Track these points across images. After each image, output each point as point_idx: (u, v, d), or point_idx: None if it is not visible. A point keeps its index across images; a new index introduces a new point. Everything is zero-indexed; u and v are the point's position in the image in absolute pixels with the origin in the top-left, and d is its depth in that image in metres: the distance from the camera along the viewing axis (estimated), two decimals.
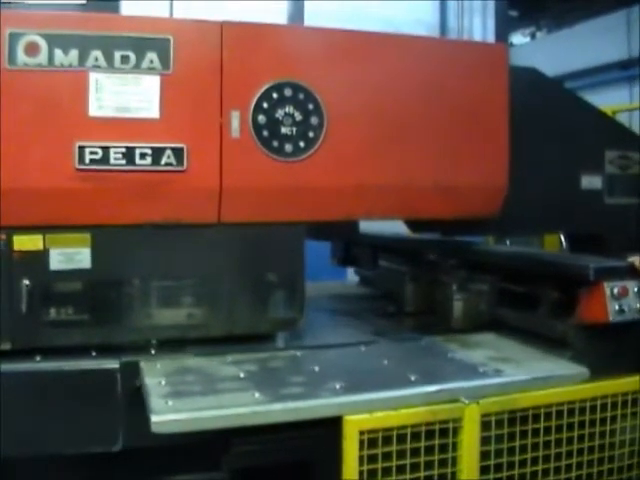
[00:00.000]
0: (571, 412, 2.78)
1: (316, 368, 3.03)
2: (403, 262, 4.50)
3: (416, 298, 4.20)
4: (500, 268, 3.78)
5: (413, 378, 2.84)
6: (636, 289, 3.16)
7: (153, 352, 3.10)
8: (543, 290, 3.44)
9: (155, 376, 2.87)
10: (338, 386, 2.74)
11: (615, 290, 3.11)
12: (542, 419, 2.72)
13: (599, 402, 2.83)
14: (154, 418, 2.46)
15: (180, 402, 2.58)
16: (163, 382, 2.79)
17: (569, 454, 2.81)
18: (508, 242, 5.25)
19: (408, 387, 2.78)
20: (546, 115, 3.89)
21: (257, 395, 2.65)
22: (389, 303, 4.48)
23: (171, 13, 5.72)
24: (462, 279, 3.83)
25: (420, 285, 4.19)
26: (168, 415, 2.48)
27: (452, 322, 3.76)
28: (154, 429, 2.46)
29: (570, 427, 2.80)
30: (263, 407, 2.58)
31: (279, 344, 3.35)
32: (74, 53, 2.87)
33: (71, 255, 2.98)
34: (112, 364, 2.97)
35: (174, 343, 3.17)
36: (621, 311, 3.09)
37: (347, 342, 3.53)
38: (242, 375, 2.91)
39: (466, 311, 3.75)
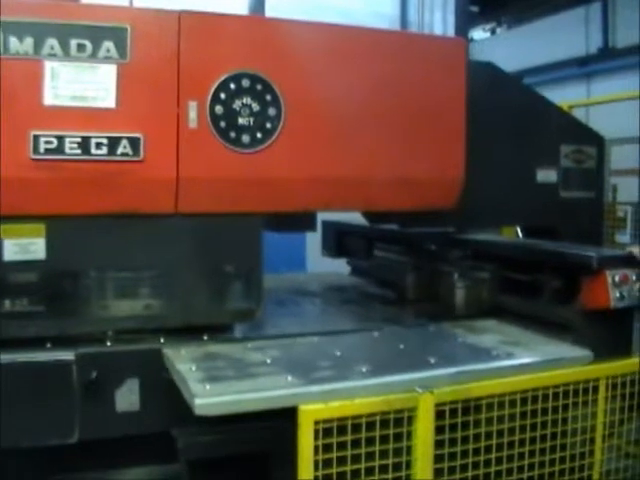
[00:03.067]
0: (524, 401, 2.82)
1: (338, 353, 3.10)
2: (401, 252, 4.61)
3: (417, 286, 4.31)
4: (503, 257, 3.91)
5: (433, 361, 2.95)
6: (635, 277, 3.34)
7: (109, 343, 3.08)
8: (546, 278, 3.59)
9: (185, 362, 2.90)
10: (364, 369, 2.82)
11: (616, 278, 3.30)
12: (495, 408, 2.75)
13: (551, 391, 2.86)
14: (198, 401, 2.50)
15: (219, 386, 2.63)
16: (194, 368, 2.82)
17: (522, 442, 2.85)
18: None
19: (430, 369, 2.89)
20: (503, 109, 3.94)
21: (290, 378, 2.70)
22: (389, 292, 4.62)
23: (131, 2, 5.66)
24: (464, 268, 3.98)
25: (421, 274, 4.30)
26: (211, 398, 2.53)
27: (455, 309, 3.90)
28: (198, 412, 2.50)
29: (523, 416, 2.84)
30: (301, 389, 2.62)
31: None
32: (29, 41, 2.83)
33: (25, 246, 2.94)
34: (67, 356, 2.95)
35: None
36: (622, 297, 3.29)
37: (358, 328, 3.66)
38: (269, 360, 2.96)
39: (468, 298, 3.89)
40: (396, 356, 3.14)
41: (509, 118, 3.98)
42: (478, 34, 14.86)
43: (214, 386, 2.61)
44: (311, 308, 4.44)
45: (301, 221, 3.66)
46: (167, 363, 3.01)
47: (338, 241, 5.41)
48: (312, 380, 2.71)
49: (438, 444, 2.65)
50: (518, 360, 3.06)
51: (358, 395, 2.56)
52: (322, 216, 4.66)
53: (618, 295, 3.29)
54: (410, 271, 4.35)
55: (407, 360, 3.04)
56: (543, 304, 3.59)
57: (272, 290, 4.32)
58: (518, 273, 3.79)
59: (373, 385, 2.69)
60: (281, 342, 3.28)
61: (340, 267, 5.71)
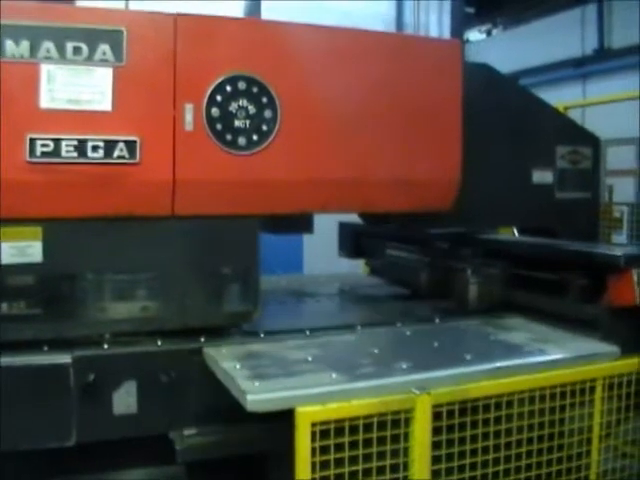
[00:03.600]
0: (521, 402, 2.82)
1: (375, 350, 3.15)
2: (414, 251, 4.66)
3: (431, 283, 4.37)
4: (528, 257, 3.97)
5: (469, 357, 3.01)
6: None
7: (106, 346, 3.08)
8: (573, 277, 3.63)
9: (228, 360, 2.93)
10: (405, 366, 2.87)
11: None
12: (492, 409, 2.76)
13: (548, 392, 2.87)
14: (250, 397, 2.52)
15: (267, 383, 2.66)
16: (238, 366, 2.84)
17: (519, 443, 2.85)
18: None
19: (468, 365, 2.94)
20: (499, 111, 3.95)
21: (334, 375, 2.73)
22: (404, 289, 4.77)
23: (127, 5, 5.65)
24: (476, 265, 4.04)
25: (435, 271, 4.36)
26: (262, 394, 2.55)
27: (468, 304, 3.97)
28: (250, 408, 2.52)
29: (520, 416, 2.85)
30: (349, 385, 2.65)
31: None
32: (25, 44, 2.84)
33: (22, 249, 2.94)
34: (65, 358, 2.94)
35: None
36: None
37: (379, 321, 3.77)
38: (310, 358, 3.00)
39: (480, 293, 3.96)
40: (432, 353, 3.19)
41: (505, 119, 4.00)
42: (474, 35, 14.87)
43: (263, 383, 2.65)
44: (329, 304, 4.57)
45: (298, 223, 3.66)
46: (209, 362, 3.04)
47: (354, 242, 5.43)
48: (356, 377, 2.74)
49: (435, 445, 2.65)
50: (550, 356, 3.11)
51: (404, 391, 2.61)
52: (338, 217, 4.74)
53: None
54: (424, 269, 4.42)
55: (444, 357, 3.08)
56: (569, 302, 3.64)
57: (294, 288, 4.77)
58: (543, 272, 3.83)
59: (415, 380, 2.72)
60: (319, 340, 3.33)
61: (340, 268, 5.74)
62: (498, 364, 2.96)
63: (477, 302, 3.97)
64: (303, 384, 2.66)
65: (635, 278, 3.36)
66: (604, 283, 3.47)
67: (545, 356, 3.11)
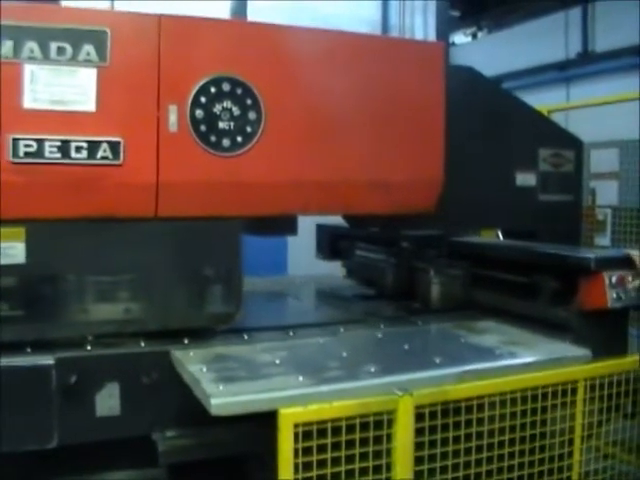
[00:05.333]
0: (503, 403, 2.83)
1: (344, 353, 3.13)
2: (382, 252, 4.70)
3: (396, 283, 4.42)
4: (500, 259, 3.99)
5: (438, 360, 3.00)
6: (631, 278, 3.42)
7: (89, 348, 3.07)
8: (544, 279, 3.65)
9: (195, 363, 2.91)
10: (373, 369, 2.86)
11: (613, 279, 3.38)
12: (475, 410, 2.77)
13: (530, 393, 2.88)
14: (214, 401, 2.50)
15: (233, 386, 2.65)
16: (204, 369, 2.83)
17: (501, 444, 2.86)
18: None
19: (437, 368, 2.94)
20: (482, 113, 3.97)
21: (301, 378, 2.72)
22: (371, 289, 4.81)
23: (112, 5, 5.65)
24: (439, 266, 4.10)
25: (400, 271, 4.41)
26: (227, 398, 2.54)
27: (431, 303, 4.05)
28: (214, 412, 2.50)
29: (503, 417, 2.86)
30: (314, 389, 2.65)
31: None
32: (9, 44, 2.83)
33: (5, 250, 2.93)
34: (47, 360, 2.93)
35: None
36: (618, 298, 3.37)
37: (344, 320, 3.82)
38: (277, 361, 2.98)
39: (443, 293, 4.05)
40: (402, 356, 3.18)
41: (488, 122, 4.02)
42: (459, 38, 14.94)
43: (228, 386, 2.63)
44: (296, 304, 4.66)
45: (282, 225, 3.67)
46: (176, 365, 3.02)
47: (332, 244, 5.44)
48: (323, 380, 2.73)
49: (418, 446, 2.65)
50: (521, 359, 3.11)
51: (369, 394, 2.59)
52: (316, 219, 4.77)
53: (615, 296, 3.37)
54: (389, 269, 4.47)
55: (413, 360, 3.09)
56: (541, 305, 3.66)
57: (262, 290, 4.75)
58: (515, 275, 3.85)
59: (382, 384, 2.72)
60: (287, 343, 3.32)
61: (324, 269, 5.75)
62: (467, 367, 2.95)
63: (440, 302, 4.04)
64: (269, 387, 2.64)
65: (606, 281, 3.37)
66: (576, 286, 3.49)
67: (515, 359, 3.11)
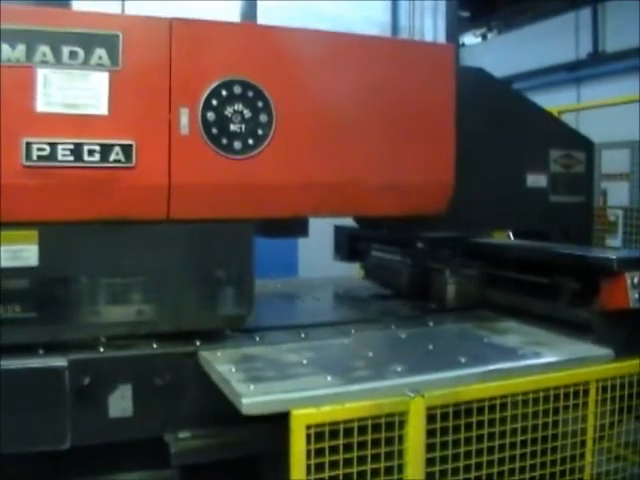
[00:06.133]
0: (515, 404, 2.84)
1: (370, 353, 3.16)
2: (398, 252, 4.76)
3: (412, 283, 4.50)
4: (522, 261, 3.99)
5: (463, 360, 3.02)
6: None
7: (102, 349, 3.08)
8: (565, 280, 3.66)
9: (223, 363, 2.94)
10: (399, 369, 2.89)
11: (635, 279, 3.39)
12: (486, 411, 2.77)
13: (542, 394, 2.88)
14: (245, 400, 2.53)
15: (262, 386, 2.67)
16: (233, 369, 2.86)
17: (513, 445, 2.86)
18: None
19: (464, 368, 2.97)
20: (492, 115, 3.97)
21: (329, 378, 2.74)
22: (388, 290, 4.88)
23: (122, 9, 5.67)
24: (454, 265, 4.19)
25: (416, 272, 4.48)
26: (257, 397, 2.56)
27: (446, 302, 4.11)
28: (245, 411, 2.52)
29: (514, 419, 2.86)
30: (344, 388, 2.67)
31: None
32: (22, 48, 2.84)
33: (18, 252, 2.95)
34: (60, 362, 2.94)
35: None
36: None
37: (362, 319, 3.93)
38: (305, 361, 3.01)
39: (458, 293, 4.12)
40: (427, 356, 3.20)
41: (499, 123, 4.02)
42: (469, 39, 14.93)
43: (258, 386, 2.66)
44: (312, 304, 4.67)
45: (293, 227, 3.68)
46: (204, 365, 3.05)
47: (349, 245, 5.46)
48: (351, 379, 2.76)
49: (429, 447, 2.65)
50: (545, 359, 3.13)
51: (397, 393, 2.61)
52: (327, 221, 4.79)
53: (637, 296, 3.38)
54: (406, 269, 4.54)
55: (439, 360, 3.10)
56: (563, 305, 3.67)
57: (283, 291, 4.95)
58: (535, 275, 3.86)
59: (409, 383, 2.73)
60: (313, 344, 3.35)
61: (335, 271, 5.77)
62: (492, 367, 2.98)
63: (455, 301, 4.09)
64: (298, 387, 2.67)
65: (628, 281, 3.38)
66: (597, 286, 3.49)
67: (539, 359, 3.13)
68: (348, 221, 4.88)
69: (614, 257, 3.47)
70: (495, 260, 4.14)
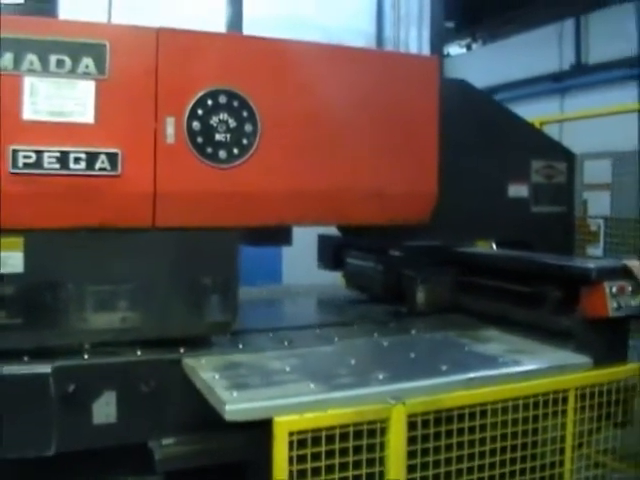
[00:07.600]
0: (495, 412, 2.87)
1: (352, 361, 3.17)
2: (373, 260, 4.82)
3: (385, 288, 4.60)
4: (504, 270, 4.03)
5: (445, 368, 3.06)
6: (630, 288, 3.49)
7: (86, 356, 3.09)
8: (547, 289, 3.70)
9: (207, 371, 2.96)
10: (381, 376, 2.91)
11: (614, 289, 3.45)
12: (467, 419, 2.80)
13: (521, 402, 2.91)
14: (228, 407, 2.54)
15: (245, 393, 2.69)
16: (217, 376, 2.87)
17: (493, 452, 2.89)
18: None
19: (445, 375, 3.00)
20: (475, 126, 4.02)
21: (312, 386, 2.77)
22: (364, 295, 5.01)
23: (109, 18, 5.67)
24: (424, 272, 4.30)
25: (389, 277, 4.56)
26: (241, 404, 2.58)
27: (416, 306, 4.23)
28: (228, 418, 2.54)
29: (494, 426, 2.89)
30: (327, 395, 2.70)
31: None
32: (9, 56, 2.86)
33: (3, 259, 2.95)
34: (45, 368, 2.95)
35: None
36: (619, 307, 3.45)
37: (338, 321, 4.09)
38: (288, 369, 3.04)
39: (428, 298, 4.25)
40: (409, 364, 3.23)
41: (481, 134, 4.06)
42: (454, 50, 14.99)
43: (241, 393, 2.67)
44: (291, 309, 4.86)
45: (277, 235, 3.71)
46: (188, 372, 3.07)
47: (333, 254, 5.48)
48: (334, 387, 2.78)
49: (411, 455, 2.68)
50: (525, 367, 3.16)
51: (380, 401, 2.64)
52: (318, 230, 4.85)
53: (615, 305, 3.43)
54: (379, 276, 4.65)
55: (420, 367, 3.13)
56: (544, 314, 3.71)
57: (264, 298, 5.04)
58: (517, 284, 3.90)
59: (391, 391, 2.76)
60: (297, 351, 3.37)
61: (319, 279, 5.79)
62: (473, 375, 3.00)
63: (424, 305, 4.22)
64: (281, 394, 2.68)
65: (607, 290, 3.43)
66: (577, 295, 3.54)
67: (519, 367, 3.16)
68: (332, 230, 4.91)
69: (593, 266, 3.53)
70: (477, 269, 4.19)
